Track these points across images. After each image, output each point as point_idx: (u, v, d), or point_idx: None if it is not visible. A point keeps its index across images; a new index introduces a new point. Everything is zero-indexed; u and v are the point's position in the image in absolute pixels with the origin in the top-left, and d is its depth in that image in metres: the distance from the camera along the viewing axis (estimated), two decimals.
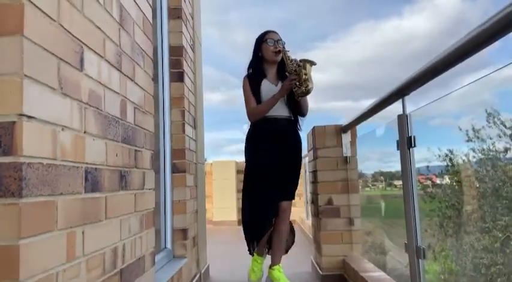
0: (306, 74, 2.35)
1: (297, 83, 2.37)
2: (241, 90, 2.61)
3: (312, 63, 2.38)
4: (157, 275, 1.80)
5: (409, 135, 1.49)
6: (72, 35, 0.95)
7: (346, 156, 2.60)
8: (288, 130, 2.53)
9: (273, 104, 2.46)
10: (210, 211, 7.10)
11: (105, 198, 1.11)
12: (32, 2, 0.78)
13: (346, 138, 2.61)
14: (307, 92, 2.37)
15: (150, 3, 1.66)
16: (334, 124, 2.65)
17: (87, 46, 1.03)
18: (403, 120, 1.50)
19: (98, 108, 1.08)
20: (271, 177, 2.42)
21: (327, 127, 2.65)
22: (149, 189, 1.54)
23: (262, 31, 2.65)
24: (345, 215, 2.58)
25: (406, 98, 1.51)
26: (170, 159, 2.33)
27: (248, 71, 2.65)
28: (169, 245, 2.23)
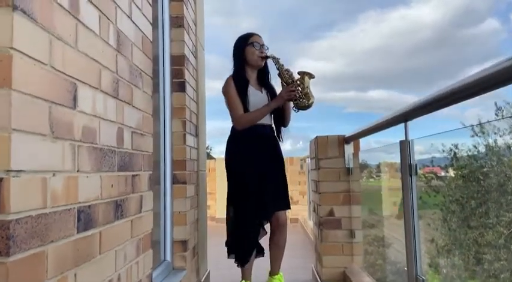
0: (307, 87, 2.32)
1: (297, 95, 2.34)
2: (224, 91, 2.46)
3: (311, 76, 2.36)
4: None
5: (411, 162, 1.46)
6: (65, 74, 0.93)
7: (349, 168, 2.57)
8: (273, 139, 2.52)
9: (266, 112, 2.41)
10: (213, 208, 7.12)
11: (99, 233, 1.10)
12: (20, 52, 0.76)
13: (349, 149, 2.58)
14: (310, 105, 2.35)
15: (150, 19, 1.63)
16: (337, 135, 2.62)
17: (81, 81, 1.01)
18: (405, 146, 1.47)
19: (92, 143, 1.06)
20: (262, 188, 2.36)
21: (330, 137, 2.63)
22: (147, 211, 1.52)
23: (244, 33, 2.55)
24: (346, 226, 2.56)
25: (409, 123, 1.48)
26: (170, 170, 2.31)
27: (232, 74, 2.51)
28: (168, 257, 2.23)
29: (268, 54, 2.48)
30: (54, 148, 0.88)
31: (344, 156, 2.59)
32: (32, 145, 0.79)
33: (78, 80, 0.99)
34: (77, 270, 0.96)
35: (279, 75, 2.44)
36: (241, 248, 2.41)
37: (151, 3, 1.65)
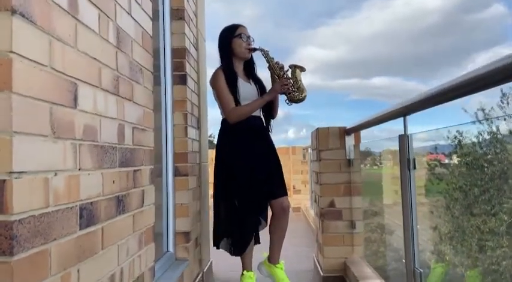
0: (300, 80, 2.35)
1: (290, 88, 2.36)
2: (213, 83, 2.43)
3: (302, 69, 2.38)
4: None
5: (409, 156, 1.47)
6: (66, 74, 0.94)
7: (349, 159, 2.59)
8: (264, 129, 2.54)
9: (259, 106, 2.43)
10: None
11: (102, 229, 1.12)
12: (20, 55, 0.77)
13: (350, 140, 2.59)
14: (303, 99, 2.39)
15: (150, 14, 1.63)
16: (338, 126, 2.63)
17: (82, 81, 1.02)
18: (404, 140, 1.48)
19: (93, 141, 1.08)
20: (260, 179, 2.37)
21: (331, 129, 2.63)
22: (149, 205, 1.55)
23: (230, 24, 2.51)
24: (346, 217, 2.59)
25: (408, 117, 1.48)
26: (172, 162, 2.33)
27: (221, 66, 2.49)
28: (171, 248, 2.26)
29: (256, 46, 2.48)
30: (55, 148, 0.89)
31: (345, 147, 2.60)
32: (33, 146, 0.81)
33: (78, 79, 1.00)
34: (80, 266, 0.99)
35: (269, 68, 2.45)
36: (237, 239, 2.43)
37: None
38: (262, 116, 2.54)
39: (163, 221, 2.25)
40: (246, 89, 2.45)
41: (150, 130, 1.58)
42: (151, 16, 1.63)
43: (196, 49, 2.73)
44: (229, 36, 2.48)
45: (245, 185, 2.36)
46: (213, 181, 2.51)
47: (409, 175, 1.47)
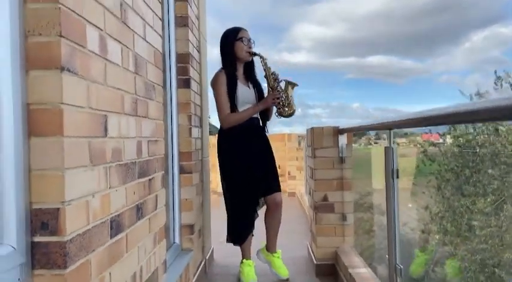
0: (291, 96, 2.54)
1: (281, 103, 2.55)
2: (214, 85, 2.58)
3: (295, 85, 2.55)
4: (167, 275, 2.03)
5: (393, 167, 1.65)
6: (98, 109, 1.10)
7: (342, 157, 2.77)
8: (261, 129, 2.74)
9: (252, 114, 2.61)
10: (215, 181, 7.37)
11: (126, 235, 1.30)
12: (68, 104, 0.94)
13: (343, 139, 2.77)
14: (291, 115, 2.60)
15: (161, 33, 1.78)
16: (332, 126, 2.80)
17: (110, 111, 1.19)
18: (389, 152, 1.66)
19: (119, 161, 1.25)
20: (254, 177, 2.58)
21: (325, 128, 2.81)
22: (161, 207, 1.73)
23: (231, 27, 2.68)
24: (338, 210, 2.79)
25: (393, 131, 1.66)
26: (178, 160, 2.51)
27: (223, 69, 2.63)
28: (177, 240, 2.46)
29: (256, 51, 2.63)
30: (93, 174, 1.06)
31: (338, 146, 2.78)
32: (77, 177, 0.98)
33: (107, 111, 1.17)
34: (111, 270, 1.17)
35: (265, 77, 2.62)
36: (238, 230, 2.67)
37: (160, 16, 1.79)
38: (259, 117, 2.73)
39: (170, 215, 2.44)
40: (245, 93, 2.61)
41: (161, 140, 1.75)
42: (161, 35, 1.78)
43: (199, 51, 2.87)
44: (231, 40, 2.61)
45: (243, 182, 2.57)
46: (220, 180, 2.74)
47: (393, 183, 1.66)
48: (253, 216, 2.71)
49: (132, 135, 1.37)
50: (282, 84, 2.60)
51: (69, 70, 0.94)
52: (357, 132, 2.32)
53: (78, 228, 0.97)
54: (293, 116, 2.60)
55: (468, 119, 1.12)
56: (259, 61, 2.64)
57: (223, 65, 2.65)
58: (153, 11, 1.64)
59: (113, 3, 1.22)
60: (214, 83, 2.61)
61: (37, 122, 0.91)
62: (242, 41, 2.59)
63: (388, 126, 1.67)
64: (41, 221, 0.92)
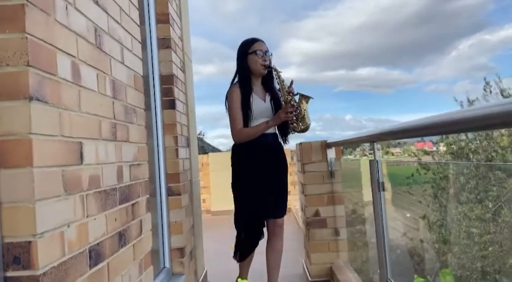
0: (305, 110, 2.38)
1: (294, 118, 2.38)
2: (228, 99, 2.50)
3: (309, 98, 2.40)
4: None
5: (379, 179, 1.64)
6: (72, 137, 1.09)
7: (331, 171, 2.76)
8: (277, 147, 2.57)
9: (265, 130, 2.45)
10: (208, 201, 7.32)
11: (107, 264, 1.27)
12: (37, 133, 0.92)
13: (331, 153, 2.76)
14: (305, 129, 2.41)
15: (140, 56, 1.77)
16: (320, 140, 2.80)
17: (86, 138, 1.17)
18: (373, 165, 1.65)
19: (96, 188, 1.23)
20: (261, 198, 2.47)
21: (313, 143, 2.80)
22: (146, 231, 1.70)
23: (248, 38, 2.56)
24: (331, 225, 2.76)
25: (376, 144, 1.65)
26: (165, 182, 2.48)
27: (234, 82, 2.55)
28: (167, 264, 2.41)
29: (272, 64, 2.51)
30: (67, 204, 1.04)
31: (327, 160, 2.77)
32: (50, 207, 0.95)
33: (83, 137, 1.15)
34: None
35: (279, 90, 2.50)
36: (242, 247, 2.53)
37: (140, 39, 1.78)
38: (277, 132, 2.58)
39: (159, 238, 2.40)
40: (259, 107, 2.49)
41: (144, 163, 1.72)
42: (141, 57, 1.77)
43: (184, 72, 2.87)
44: (245, 53, 2.52)
45: (248, 201, 2.47)
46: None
47: (379, 196, 1.64)
48: (257, 236, 2.56)
49: (111, 160, 1.35)
50: (296, 98, 2.45)
51: (38, 99, 0.92)
52: (350, 145, 2.29)
53: (52, 261, 0.94)
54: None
55: (446, 130, 1.11)
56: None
57: (238, 78, 2.57)
58: (131, 35, 1.64)
59: (86, 30, 1.21)
60: (228, 98, 2.53)
61: (6, 154, 0.89)
62: (256, 54, 2.49)
63: (370, 139, 1.66)
64: (13, 255, 0.89)
